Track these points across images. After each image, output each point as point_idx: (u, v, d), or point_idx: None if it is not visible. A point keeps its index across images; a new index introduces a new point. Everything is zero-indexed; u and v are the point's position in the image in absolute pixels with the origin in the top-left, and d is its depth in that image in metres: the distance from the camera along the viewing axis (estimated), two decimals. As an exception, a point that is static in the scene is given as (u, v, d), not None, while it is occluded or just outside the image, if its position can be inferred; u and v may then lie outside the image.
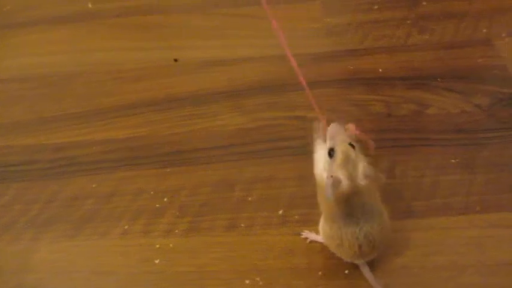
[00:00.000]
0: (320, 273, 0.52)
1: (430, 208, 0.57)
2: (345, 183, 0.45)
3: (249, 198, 0.60)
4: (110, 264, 0.55)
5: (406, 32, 0.81)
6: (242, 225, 0.57)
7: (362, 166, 0.46)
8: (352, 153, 0.46)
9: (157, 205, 0.60)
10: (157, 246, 0.56)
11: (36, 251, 0.57)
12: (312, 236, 0.55)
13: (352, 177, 0.45)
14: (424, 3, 0.86)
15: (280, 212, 0.58)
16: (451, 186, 0.59)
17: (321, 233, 0.52)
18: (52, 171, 0.66)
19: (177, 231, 0.57)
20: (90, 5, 0.92)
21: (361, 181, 0.45)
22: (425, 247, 0.53)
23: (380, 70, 0.75)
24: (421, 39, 0.80)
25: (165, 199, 0.60)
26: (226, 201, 0.60)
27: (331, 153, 0.46)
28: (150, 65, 0.79)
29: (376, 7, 0.86)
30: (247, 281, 0.52)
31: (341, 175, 0.45)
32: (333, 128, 0.48)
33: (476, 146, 0.63)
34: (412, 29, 0.81)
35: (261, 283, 0.52)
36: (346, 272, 0.52)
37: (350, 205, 0.46)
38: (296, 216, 0.57)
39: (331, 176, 0.45)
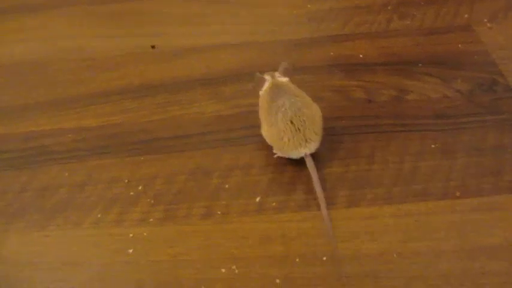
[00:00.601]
0: (297, 260, 0.51)
1: (409, 194, 0.56)
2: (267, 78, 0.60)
3: (226, 186, 0.58)
4: (82, 254, 0.54)
5: (387, 17, 0.80)
6: (218, 212, 0.56)
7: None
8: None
9: (131, 193, 0.58)
10: (131, 235, 0.54)
11: (6, 242, 0.55)
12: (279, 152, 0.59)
13: (272, 75, 0.60)
14: (406, -12, 0.86)
15: (257, 199, 0.57)
16: (431, 172, 0.58)
17: (267, 139, 0.59)
18: (23, 160, 0.63)
19: (151, 219, 0.56)
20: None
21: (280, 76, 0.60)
22: (404, 233, 0.53)
23: (361, 56, 0.74)
24: (402, 24, 0.79)
25: (140, 187, 0.59)
26: (202, 189, 0.58)
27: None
28: (126, 52, 0.77)
29: (357, -7, 0.85)
30: (223, 270, 0.51)
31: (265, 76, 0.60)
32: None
33: (456, 131, 0.62)
34: (393, 15, 0.81)
35: (236, 271, 0.51)
36: (324, 258, 0.51)
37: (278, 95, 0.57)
38: (273, 203, 0.56)
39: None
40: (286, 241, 0.53)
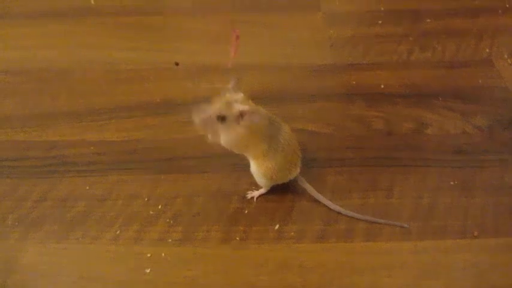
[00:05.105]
0: (314, 291, 0.51)
1: (427, 230, 0.56)
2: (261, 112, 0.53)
3: (246, 211, 0.59)
4: (99, 270, 0.54)
5: (408, 48, 0.81)
6: (237, 238, 0.56)
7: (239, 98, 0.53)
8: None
9: (151, 212, 0.59)
10: (149, 255, 0.55)
11: (23, 250, 0.56)
12: (256, 193, 0.59)
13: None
14: (428, 20, 0.86)
15: (276, 227, 0.57)
16: (449, 209, 0.58)
17: (262, 176, 0.57)
18: (44, 169, 0.64)
19: (170, 240, 0.56)
20: (92, 2, 0.91)
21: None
22: (421, 270, 0.53)
23: (382, 86, 0.74)
24: (423, 56, 0.79)
25: (159, 206, 0.59)
26: (221, 213, 0.59)
27: (220, 117, 0.52)
28: (148, 67, 0.78)
29: (380, 22, 0.86)
30: (239, 296, 0.51)
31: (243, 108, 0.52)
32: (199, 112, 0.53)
33: (475, 168, 0.63)
34: (414, 46, 0.81)
35: (254, 299, 0.51)
36: (341, 292, 0.51)
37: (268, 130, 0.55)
38: (292, 233, 0.56)
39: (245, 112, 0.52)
40: (303, 272, 0.53)
